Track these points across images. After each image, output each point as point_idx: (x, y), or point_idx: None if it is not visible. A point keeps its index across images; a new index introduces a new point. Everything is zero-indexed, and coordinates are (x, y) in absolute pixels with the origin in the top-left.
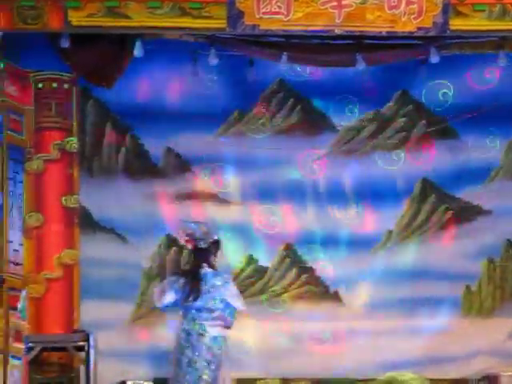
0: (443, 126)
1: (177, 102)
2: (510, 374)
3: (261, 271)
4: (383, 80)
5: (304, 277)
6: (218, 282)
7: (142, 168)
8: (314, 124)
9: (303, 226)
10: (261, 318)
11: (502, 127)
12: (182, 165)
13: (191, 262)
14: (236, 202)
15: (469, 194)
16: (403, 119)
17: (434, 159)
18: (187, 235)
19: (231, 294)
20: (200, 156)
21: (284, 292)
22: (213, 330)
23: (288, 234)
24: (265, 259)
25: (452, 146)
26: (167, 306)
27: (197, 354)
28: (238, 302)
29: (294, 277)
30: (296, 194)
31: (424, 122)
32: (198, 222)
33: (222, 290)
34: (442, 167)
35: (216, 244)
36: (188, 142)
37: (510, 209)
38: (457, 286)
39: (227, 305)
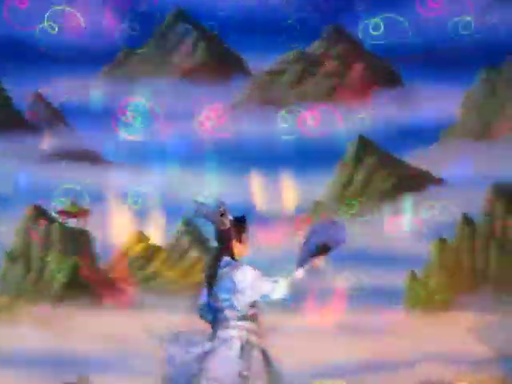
0: (385, 70)
1: (49, 35)
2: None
3: (153, 251)
4: (310, 12)
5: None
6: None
7: (3, 118)
8: (222, 66)
9: (207, 196)
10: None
11: (458, 74)
12: (53, 115)
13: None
14: (124, 165)
15: (417, 157)
16: (335, 62)
17: (373, 112)
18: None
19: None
20: (77, 104)
21: (182, 276)
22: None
23: (189, 205)
24: (158, 237)
25: (396, 96)
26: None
27: None
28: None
29: (195, 259)
30: (196, 153)
31: (361, 65)
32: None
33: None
34: (382, 123)
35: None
36: (62, 87)
37: (468, 175)
38: (399, 272)
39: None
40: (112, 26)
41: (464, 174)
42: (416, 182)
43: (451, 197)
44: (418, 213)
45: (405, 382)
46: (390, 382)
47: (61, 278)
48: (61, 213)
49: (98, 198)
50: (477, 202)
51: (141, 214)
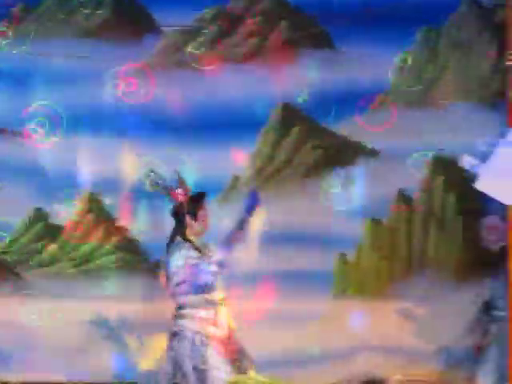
0: (312, 30)
1: None
2: (399, 377)
3: (54, 230)
4: None
5: (115, 239)
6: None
7: None
8: (131, 24)
9: (112, 167)
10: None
11: (394, 35)
12: None
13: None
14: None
15: (346, 127)
16: (257, 19)
17: (299, 77)
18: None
19: None
20: None
21: (88, 260)
22: None
23: (91, 178)
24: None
25: (325, 59)
26: None
27: None
28: None
29: (100, 239)
30: (102, 122)
31: (286, 23)
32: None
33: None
34: (310, 87)
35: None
36: None
37: (403, 148)
38: (328, 254)
39: None
40: None
41: (400, 146)
42: (347, 154)
43: (385, 171)
44: (349, 189)
45: (334, 376)
46: (319, 376)
47: None
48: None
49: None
50: (414, 177)
51: (40, 190)
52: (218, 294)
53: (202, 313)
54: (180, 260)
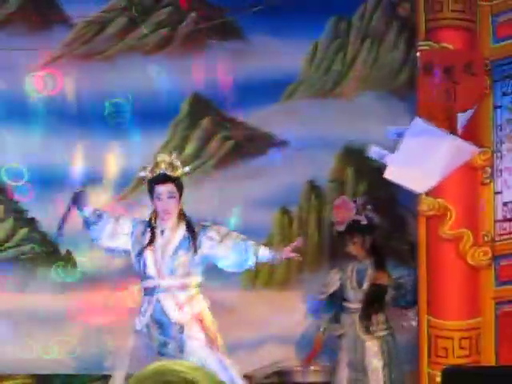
0: (221, 20)
1: None
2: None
3: None
4: None
5: (23, 232)
6: None
7: None
8: (39, 14)
9: (25, 159)
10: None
11: (304, 26)
12: None
13: None
14: None
15: (257, 118)
16: (166, 10)
17: (208, 68)
18: None
19: None
20: None
21: None
22: None
23: (3, 169)
24: None
25: (234, 49)
26: None
27: None
28: None
29: (8, 232)
30: (14, 113)
31: (195, 14)
32: None
33: None
34: (219, 79)
35: None
36: None
37: (312, 138)
38: None
39: None
40: None
41: (309, 137)
42: (257, 144)
43: (295, 161)
44: (259, 179)
45: (246, 364)
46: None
47: None
48: None
49: None
50: (324, 168)
51: None
52: None
53: None
54: None
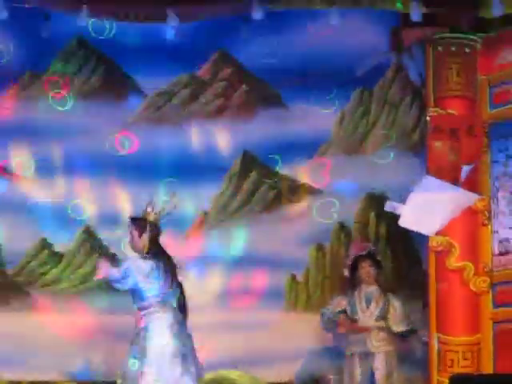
0: (267, 92)
1: None
2: (335, 377)
3: (56, 257)
4: (199, 38)
5: None
6: None
7: None
8: (119, 88)
9: (106, 206)
10: (56, 312)
11: (334, 96)
12: None
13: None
14: (28, 177)
15: (296, 171)
16: (222, 83)
17: (256, 130)
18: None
19: None
20: None
21: (84, 281)
22: None
23: (88, 214)
24: (61, 243)
25: (277, 115)
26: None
27: None
28: None
29: (95, 264)
30: (99, 168)
31: (245, 86)
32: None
33: None
34: (265, 139)
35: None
36: None
37: (342, 188)
38: (281, 275)
39: None
40: (18, 50)
41: (339, 186)
42: (296, 193)
43: (327, 206)
44: (298, 221)
45: (288, 374)
46: (276, 374)
47: None
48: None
49: (5, 208)
50: (351, 212)
51: (45, 223)
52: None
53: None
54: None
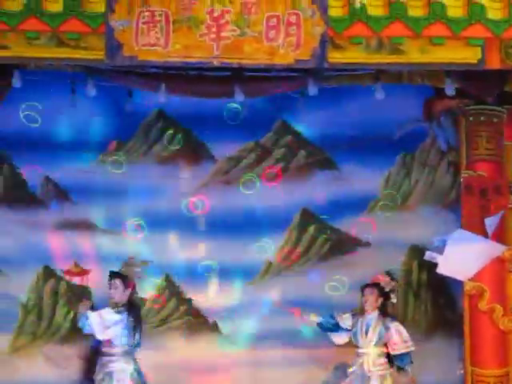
0: (322, 156)
1: (55, 131)
2: None
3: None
4: (262, 111)
5: (183, 308)
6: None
7: (19, 197)
8: (194, 154)
9: (183, 257)
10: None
11: (381, 159)
12: (60, 194)
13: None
14: (115, 232)
15: (348, 225)
16: (282, 149)
17: (313, 189)
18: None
19: None
20: (78, 185)
21: (163, 324)
22: None
23: (167, 264)
24: (143, 290)
25: (331, 176)
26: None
27: None
28: None
29: (172, 308)
30: (176, 223)
31: (303, 152)
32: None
33: None
34: (321, 197)
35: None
36: (66, 171)
37: (388, 240)
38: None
39: None
40: (105, 122)
41: (386, 238)
42: (348, 244)
43: (376, 256)
44: (350, 269)
45: None
46: None
47: (67, 324)
48: (66, 272)
49: (95, 259)
50: (396, 261)
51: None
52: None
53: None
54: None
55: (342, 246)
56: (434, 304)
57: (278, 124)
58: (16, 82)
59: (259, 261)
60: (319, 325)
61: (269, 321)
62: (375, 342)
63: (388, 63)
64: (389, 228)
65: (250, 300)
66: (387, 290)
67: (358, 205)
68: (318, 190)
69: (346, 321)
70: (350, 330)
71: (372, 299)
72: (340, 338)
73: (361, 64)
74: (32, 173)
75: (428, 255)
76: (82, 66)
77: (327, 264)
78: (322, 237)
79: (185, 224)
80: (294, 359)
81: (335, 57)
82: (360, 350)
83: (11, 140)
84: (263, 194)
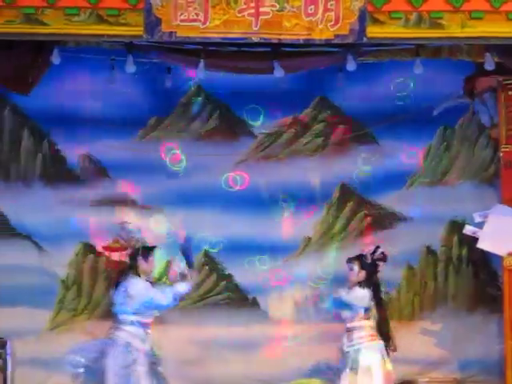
0: (361, 131)
1: (94, 108)
2: (426, 380)
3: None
4: (301, 86)
5: (222, 284)
6: None
7: (58, 174)
8: (232, 130)
9: (222, 233)
10: (178, 326)
11: (419, 134)
12: (99, 171)
13: None
14: (154, 208)
15: (388, 200)
16: (321, 124)
17: (352, 165)
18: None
19: None
20: (117, 161)
21: (202, 299)
22: None
23: (206, 240)
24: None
25: (370, 151)
26: None
27: None
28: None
29: (212, 284)
30: (215, 200)
31: (342, 127)
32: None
33: None
34: (360, 173)
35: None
36: (105, 148)
37: (428, 215)
38: None
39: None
40: (144, 98)
41: (425, 213)
42: (388, 220)
43: (416, 231)
44: (391, 245)
45: None
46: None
47: (106, 300)
48: (105, 248)
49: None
50: (436, 236)
51: (170, 248)
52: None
53: (133, 330)
54: (139, 284)
55: (382, 221)
56: (475, 279)
57: (316, 99)
58: (55, 59)
59: (298, 236)
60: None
61: (307, 296)
62: (360, 314)
63: (427, 38)
64: (428, 203)
65: (289, 276)
66: (369, 261)
67: (398, 180)
68: (357, 164)
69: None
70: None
71: (353, 273)
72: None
73: (400, 39)
74: (71, 150)
75: (468, 230)
76: (121, 43)
77: (366, 240)
78: (362, 212)
79: (224, 199)
80: (331, 334)
81: (374, 32)
82: (348, 325)
83: (50, 117)
84: (302, 169)
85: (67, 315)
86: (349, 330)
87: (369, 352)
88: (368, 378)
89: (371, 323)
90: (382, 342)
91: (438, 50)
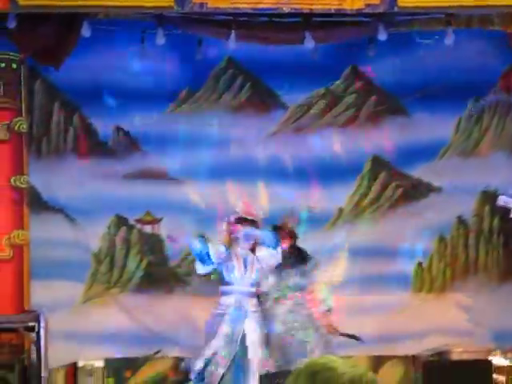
0: (392, 103)
1: (125, 81)
2: (460, 350)
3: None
4: (332, 57)
5: None
6: None
7: (90, 147)
8: (263, 102)
9: (254, 205)
10: (208, 297)
11: (451, 105)
12: (131, 143)
13: None
14: (186, 181)
15: (419, 172)
16: (352, 96)
17: (384, 137)
18: None
19: None
20: (149, 134)
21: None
22: None
23: (233, 213)
24: (216, 239)
25: (402, 123)
26: None
27: None
28: None
29: None
30: (246, 172)
31: (374, 99)
32: None
33: None
34: (392, 144)
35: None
36: (137, 121)
37: (460, 186)
38: (408, 263)
39: None
40: (175, 71)
41: (457, 185)
42: (420, 191)
43: (448, 202)
44: (422, 216)
45: (414, 349)
46: (402, 349)
47: (139, 273)
48: (138, 221)
49: (167, 208)
50: (468, 207)
51: (202, 221)
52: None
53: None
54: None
55: (414, 192)
56: (506, 251)
57: (348, 70)
58: (85, 31)
59: (330, 208)
60: None
61: (339, 268)
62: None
63: (459, 7)
64: (460, 174)
65: (321, 248)
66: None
67: (429, 151)
68: (388, 136)
69: None
70: None
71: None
72: None
73: (431, 8)
74: (103, 123)
75: (500, 200)
76: (152, 15)
77: (399, 212)
78: (393, 184)
79: (255, 172)
80: (370, 305)
81: (405, 1)
82: None
83: (82, 90)
84: (334, 141)
85: (100, 288)
86: None
87: None
88: None
89: None
90: None
91: (469, 20)
